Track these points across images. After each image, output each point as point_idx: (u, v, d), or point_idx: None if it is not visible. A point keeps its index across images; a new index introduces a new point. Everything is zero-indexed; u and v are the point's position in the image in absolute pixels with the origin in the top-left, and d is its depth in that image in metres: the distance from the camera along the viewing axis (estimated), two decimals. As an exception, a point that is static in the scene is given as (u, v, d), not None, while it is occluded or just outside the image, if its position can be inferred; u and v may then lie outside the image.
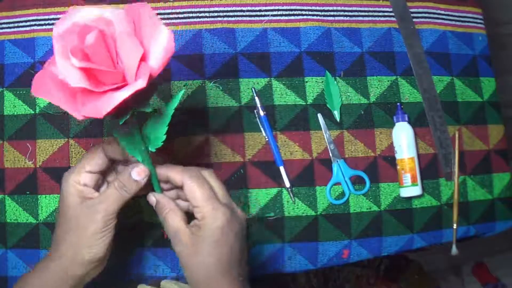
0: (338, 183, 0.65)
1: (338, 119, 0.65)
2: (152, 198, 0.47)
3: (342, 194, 0.65)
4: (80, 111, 0.39)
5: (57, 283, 0.44)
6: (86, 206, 0.44)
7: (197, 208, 0.44)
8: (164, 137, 0.44)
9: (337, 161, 0.65)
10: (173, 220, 0.45)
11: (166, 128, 0.44)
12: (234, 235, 0.45)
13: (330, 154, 0.65)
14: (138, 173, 0.45)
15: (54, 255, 0.45)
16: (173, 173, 0.46)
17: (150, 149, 0.45)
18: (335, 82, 0.66)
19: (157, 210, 0.47)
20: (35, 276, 0.45)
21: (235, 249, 0.45)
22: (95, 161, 0.46)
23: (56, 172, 0.62)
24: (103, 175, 0.48)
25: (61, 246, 0.45)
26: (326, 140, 0.66)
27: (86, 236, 0.44)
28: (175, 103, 0.45)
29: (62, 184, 0.46)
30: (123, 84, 0.39)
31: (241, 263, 0.46)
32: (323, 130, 0.66)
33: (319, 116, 0.66)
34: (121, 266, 0.61)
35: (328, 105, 0.66)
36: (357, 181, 0.66)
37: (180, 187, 0.46)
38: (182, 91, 0.45)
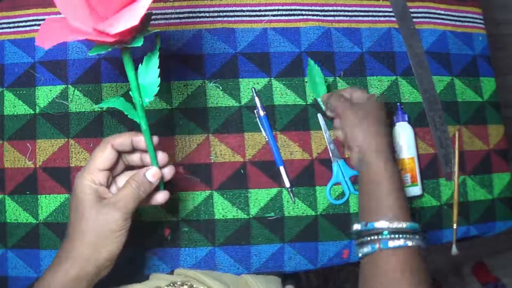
0: (338, 183, 0.65)
1: (323, 108, 0.65)
2: (327, 96, 0.63)
3: (342, 194, 0.65)
4: (113, 26, 0.36)
5: (73, 284, 0.44)
6: (104, 205, 0.45)
7: (354, 94, 0.62)
8: (159, 80, 0.44)
9: (337, 161, 0.65)
10: (344, 102, 0.60)
11: (158, 71, 0.44)
12: (381, 109, 0.59)
13: (330, 154, 0.65)
14: (153, 175, 0.47)
15: (67, 256, 0.45)
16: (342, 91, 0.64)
17: (148, 98, 0.44)
18: (319, 68, 0.66)
19: (331, 101, 0.62)
20: (47, 280, 0.45)
21: (385, 121, 0.58)
22: (106, 157, 0.46)
23: (56, 172, 0.62)
24: (112, 173, 0.49)
25: (77, 247, 0.44)
26: (326, 140, 0.66)
27: (106, 235, 0.44)
28: (157, 46, 0.45)
29: (77, 185, 0.46)
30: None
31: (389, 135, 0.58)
32: (323, 130, 0.66)
33: (319, 116, 0.66)
34: (121, 266, 0.60)
35: (313, 94, 0.66)
36: (357, 181, 0.66)
37: None
38: (157, 31, 0.44)
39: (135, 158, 0.49)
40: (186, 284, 0.54)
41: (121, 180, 0.49)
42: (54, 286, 0.44)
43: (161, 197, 0.49)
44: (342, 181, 0.65)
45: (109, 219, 0.44)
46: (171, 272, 0.60)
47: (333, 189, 0.65)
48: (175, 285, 0.54)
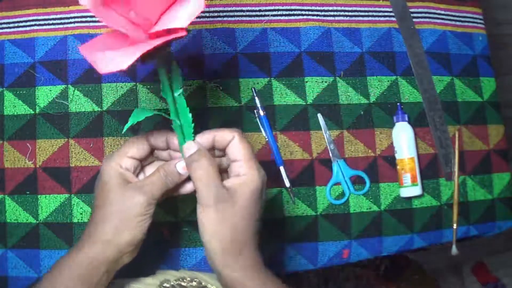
0: (338, 183, 0.65)
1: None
2: (193, 145, 0.45)
3: (342, 194, 0.65)
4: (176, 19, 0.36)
5: (90, 268, 0.44)
6: (129, 188, 0.45)
7: (239, 163, 0.45)
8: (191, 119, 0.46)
9: (337, 161, 0.65)
10: (214, 173, 0.44)
11: (189, 113, 0.46)
12: (263, 201, 0.45)
13: (330, 154, 0.65)
14: (184, 167, 0.46)
15: (88, 239, 0.45)
16: (220, 132, 0.46)
17: (187, 138, 0.46)
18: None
19: (195, 159, 0.45)
20: (65, 263, 0.45)
21: (260, 214, 0.45)
22: (138, 147, 0.47)
23: (56, 172, 0.62)
24: (142, 163, 0.49)
25: (100, 229, 0.44)
26: (326, 140, 0.66)
27: (129, 218, 0.44)
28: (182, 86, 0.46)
29: (103, 168, 0.46)
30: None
31: (258, 227, 0.47)
32: (323, 130, 0.66)
33: (319, 116, 0.66)
34: (121, 266, 0.60)
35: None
36: (357, 181, 0.66)
37: (218, 149, 0.47)
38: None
39: (164, 153, 0.49)
40: (195, 281, 0.54)
41: (149, 170, 0.49)
42: (72, 268, 0.44)
43: (189, 187, 0.49)
44: (342, 181, 0.65)
45: (134, 203, 0.44)
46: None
47: (333, 189, 0.65)
48: (184, 280, 0.54)
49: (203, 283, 0.54)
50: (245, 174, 0.45)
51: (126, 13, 0.37)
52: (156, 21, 0.38)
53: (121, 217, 0.44)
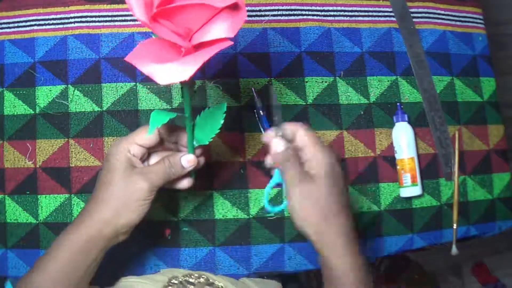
0: (279, 185, 0.52)
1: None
2: (281, 143, 0.47)
3: (280, 199, 0.64)
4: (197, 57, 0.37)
5: (89, 244, 0.46)
6: (134, 173, 0.46)
7: (308, 148, 0.46)
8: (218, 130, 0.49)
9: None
10: (298, 163, 0.46)
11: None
12: (340, 174, 0.47)
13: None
14: (188, 161, 0.49)
15: (90, 216, 0.47)
16: (289, 124, 0.48)
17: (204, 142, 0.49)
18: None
19: (285, 155, 0.46)
20: (66, 239, 0.47)
21: (341, 189, 0.46)
22: (149, 137, 0.48)
23: (56, 172, 0.62)
24: (149, 151, 0.50)
25: (100, 209, 0.46)
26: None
27: (130, 201, 0.46)
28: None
29: (111, 150, 0.47)
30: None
31: (348, 207, 0.47)
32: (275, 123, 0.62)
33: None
34: (121, 265, 0.61)
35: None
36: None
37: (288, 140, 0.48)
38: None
39: (172, 145, 0.51)
40: (202, 277, 0.55)
41: (154, 158, 0.51)
42: (74, 243, 0.46)
43: (186, 182, 0.51)
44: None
45: (136, 188, 0.46)
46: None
47: (272, 192, 0.55)
48: (192, 276, 0.55)
49: (210, 280, 0.55)
50: (315, 156, 0.46)
51: (173, 26, 0.38)
52: (197, 31, 0.39)
53: (122, 199, 0.46)
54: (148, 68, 0.36)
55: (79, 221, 0.47)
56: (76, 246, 0.46)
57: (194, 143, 0.49)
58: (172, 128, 0.50)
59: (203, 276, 0.56)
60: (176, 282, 0.54)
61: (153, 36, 0.41)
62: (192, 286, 0.54)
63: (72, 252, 0.46)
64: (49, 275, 0.46)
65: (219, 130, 0.48)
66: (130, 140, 0.48)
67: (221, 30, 0.38)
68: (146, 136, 0.47)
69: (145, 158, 0.50)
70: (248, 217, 0.63)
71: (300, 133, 0.47)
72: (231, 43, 0.38)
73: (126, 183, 0.46)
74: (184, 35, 0.38)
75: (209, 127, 0.48)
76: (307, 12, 0.69)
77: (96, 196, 0.47)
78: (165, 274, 0.57)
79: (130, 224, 0.47)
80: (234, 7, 0.38)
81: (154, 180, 0.47)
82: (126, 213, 0.46)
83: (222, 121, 0.48)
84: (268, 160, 0.49)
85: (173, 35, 0.38)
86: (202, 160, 0.51)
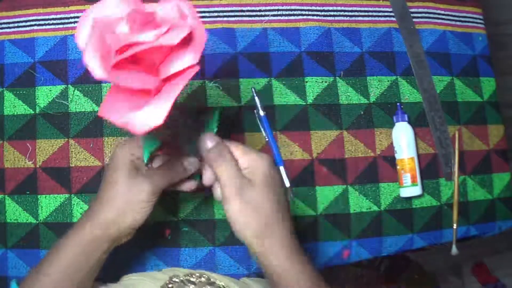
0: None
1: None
2: (214, 137, 0.46)
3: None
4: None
5: (93, 245, 0.46)
6: (138, 175, 0.47)
7: (245, 157, 0.45)
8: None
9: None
10: (236, 163, 0.45)
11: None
12: (278, 180, 0.46)
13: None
14: (190, 163, 0.49)
15: (95, 217, 0.47)
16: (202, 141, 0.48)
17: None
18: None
19: (217, 151, 0.45)
20: (70, 239, 0.47)
21: (282, 196, 0.45)
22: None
23: (56, 172, 0.62)
24: (152, 154, 0.50)
25: (105, 209, 0.47)
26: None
27: (133, 203, 0.46)
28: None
29: (116, 152, 0.48)
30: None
31: (289, 213, 0.46)
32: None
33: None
34: (121, 265, 0.61)
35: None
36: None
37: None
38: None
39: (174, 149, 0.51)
40: (203, 276, 0.55)
41: (157, 162, 0.51)
42: (79, 243, 0.46)
43: (189, 185, 0.51)
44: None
45: (140, 189, 0.46)
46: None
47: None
48: (194, 276, 0.55)
49: (211, 279, 0.55)
50: (249, 165, 0.45)
51: (136, 68, 0.37)
52: (161, 64, 0.38)
53: (126, 201, 0.46)
54: (122, 120, 0.35)
55: (85, 220, 0.47)
56: (79, 247, 0.46)
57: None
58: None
59: (204, 275, 0.56)
60: (177, 280, 0.54)
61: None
62: (193, 285, 0.54)
63: (75, 253, 0.46)
64: (52, 276, 0.46)
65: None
66: (134, 143, 0.48)
67: (184, 60, 0.37)
68: (144, 161, 0.47)
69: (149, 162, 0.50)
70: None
71: (231, 146, 0.46)
72: (198, 68, 0.37)
73: (130, 185, 0.46)
74: (151, 71, 0.38)
75: (208, 131, 0.49)
76: (307, 12, 0.69)
77: (101, 196, 0.48)
78: (166, 273, 0.57)
79: (133, 225, 0.47)
80: (190, 37, 0.37)
81: (158, 183, 0.47)
82: (130, 215, 0.46)
83: (215, 129, 0.48)
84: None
85: (135, 79, 0.36)
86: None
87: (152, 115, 0.35)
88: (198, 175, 0.52)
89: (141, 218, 0.47)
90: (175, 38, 0.35)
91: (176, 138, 0.50)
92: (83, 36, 0.37)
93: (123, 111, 0.36)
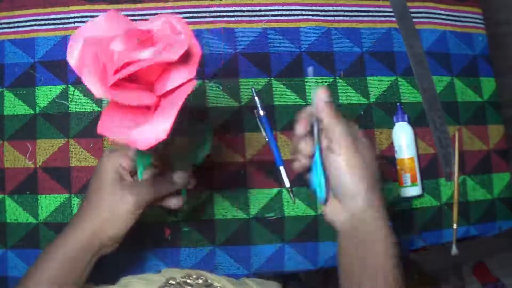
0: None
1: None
2: (327, 91, 0.46)
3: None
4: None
5: (78, 253, 0.46)
6: (122, 186, 0.46)
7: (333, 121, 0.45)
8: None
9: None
10: (345, 121, 0.45)
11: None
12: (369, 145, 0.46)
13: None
14: (179, 177, 0.49)
15: (81, 225, 0.47)
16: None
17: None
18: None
19: (328, 107, 0.45)
20: (58, 245, 0.47)
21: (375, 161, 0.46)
22: None
23: (56, 172, 0.62)
24: None
25: (91, 218, 0.47)
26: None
27: (117, 214, 0.46)
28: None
29: (103, 161, 0.47)
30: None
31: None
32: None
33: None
34: (121, 266, 0.61)
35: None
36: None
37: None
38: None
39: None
40: (201, 278, 0.55)
41: (145, 174, 0.50)
42: (65, 252, 0.47)
43: (175, 202, 0.50)
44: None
45: (123, 201, 0.46)
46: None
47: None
48: (191, 277, 0.55)
49: (209, 281, 0.55)
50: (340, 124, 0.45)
51: (133, 86, 0.37)
52: (156, 81, 0.38)
53: (110, 211, 0.46)
54: (124, 137, 0.35)
55: (70, 230, 0.47)
56: (65, 255, 0.46)
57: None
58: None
59: (201, 277, 0.56)
60: (173, 283, 0.54)
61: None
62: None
63: (59, 262, 0.46)
64: (38, 285, 0.46)
65: (208, 151, 0.48)
66: (122, 152, 0.47)
67: (181, 76, 0.37)
68: (139, 177, 0.47)
69: (134, 172, 0.49)
70: (248, 217, 0.63)
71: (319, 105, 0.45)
72: (195, 82, 0.37)
73: (114, 196, 0.46)
74: (147, 89, 0.38)
75: (199, 147, 0.48)
76: (307, 12, 0.69)
77: (86, 205, 0.48)
78: (163, 274, 0.56)
79: (115, 237, 0.47)
80: (186, 52, 0.37)
81: (142, 196, 0.47)
82: (112, 226, 0.46)
83: (210, 144, 0.48)
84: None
85: (134, 96, 0.37)
86: (192, 181, 0.51)
87: (155, 130, 0.35)
88: (184, 190, 0.51)
89: (123, 230, 0.47)
90: (174, 54, 0.36)
91: (168, 152, 0.49)
92: (75, 56, 0.37)
93: (122, 127, 0.36)
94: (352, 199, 0.44)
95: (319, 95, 0.46)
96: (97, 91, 0.35)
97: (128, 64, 0.35)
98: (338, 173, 0.44)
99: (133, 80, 0.37)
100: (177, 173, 0.48)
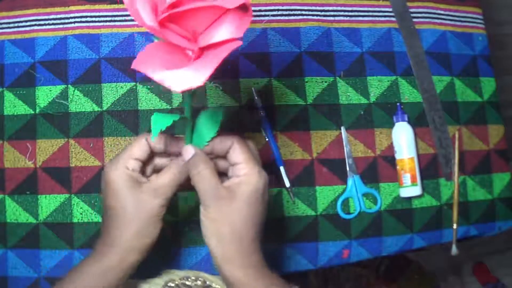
0: (348, 198, 0.65)
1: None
2: (191, 149, 0.45)
3: (353, 209, 0.65)
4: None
5: (110, 275, 0.44)
6: (142, 191, 0.44)
7: (240, 165, 0.45)
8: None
9: (353, 176, 0.65)
10: (212, 175, 0.44)
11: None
12: (265, 201, 0.45)
13: (348, 168, 0.65)
14: (189, 152, 0.46)
15: (109, 247, 0.44)
16: (219, 139, 0.46)
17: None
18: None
19: (192, 163, 0.45)
20: (85, 269, 0.45)
21: (261, 218, 0.45)
22: (142, 148, 0.46)
23: (56, 172, 0.62)
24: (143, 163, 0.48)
25: (119, 236, 0.44)
26: (345, 154, 0.65)
27: (147, 222, 0.44)
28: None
29: (110, 175, 0.44)
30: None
31: (262, 231, 0.46)
32: (344, 143, 0.65)
33: (343, 129, 0.66)
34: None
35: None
36: (369, 197, 0.66)
37: (220, 157, 0.47)
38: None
39: (164, 161, 0.49)
40: (199, 280, 0.55)
41: (148, 169, 0.49)
42: (89, 277, 0.44)
43: (189, 151, 0.48)
44: (354, 197, 0.65)
45: (150, 207, 0.44)
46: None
47: (344, 203, 0.65)
48: (189, 279, 0.54)
49: (207, 282, 0.55)
50: (245, 174, 0.45)
51: (180, 30, 0.37)
52: (203, 32, 0.38)
53: (139, 222, 0.44)
54: (160, 75, 0.35)
55: (98, 253, 0.45)
56: (95, 279, 0.44)
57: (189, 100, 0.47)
58: (160, 137, 0.47)
59: (200, 278, 0.55)
60: (172, 285, 0.54)
61: (155, 40, 0.40)
62: None
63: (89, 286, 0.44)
64: None
65: (215, 134, 0.46)
66: (126, 156, 0.45)
67: (228, 31, 0.37)
68: (152, 139, 0.45)
69: (142, 171, 0.48)
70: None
71: (234, 148, 0.45)
72: (241, 43, 0.37)
73: (137, 205, 0.44)
74: (191, 37, 0.38)
75: (206, 131, 0.47)
76: (307, 12, 0.69)
77: (110, 224, 0.45)
78: (162, 277, 0.56)
79: (153, 243, 0.45)
80: (242, 8, 0.37)
81: (166, 194, 0.45)
82: (148, 234, 0.44)
83: (217, 129, 0.47)
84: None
85: (180, 38, 0.37)
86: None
87: (191, 77, 0.35)
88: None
89: (157, 234, 0.45)
90: (230, 3, 0.35)
91: (174, 143, 0.48)
92: None
93: (158, 67, 0.35)
94: (214, 255, 0.45)
95: (188, 151, 0.45)
96: (149, 20, 0.35)
97: (181, 3, 0.35)
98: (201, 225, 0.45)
99: (181, 26, 0.37)
100: (185, 148, 0.46)
